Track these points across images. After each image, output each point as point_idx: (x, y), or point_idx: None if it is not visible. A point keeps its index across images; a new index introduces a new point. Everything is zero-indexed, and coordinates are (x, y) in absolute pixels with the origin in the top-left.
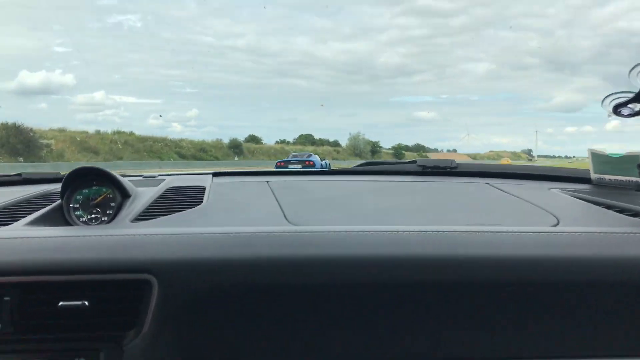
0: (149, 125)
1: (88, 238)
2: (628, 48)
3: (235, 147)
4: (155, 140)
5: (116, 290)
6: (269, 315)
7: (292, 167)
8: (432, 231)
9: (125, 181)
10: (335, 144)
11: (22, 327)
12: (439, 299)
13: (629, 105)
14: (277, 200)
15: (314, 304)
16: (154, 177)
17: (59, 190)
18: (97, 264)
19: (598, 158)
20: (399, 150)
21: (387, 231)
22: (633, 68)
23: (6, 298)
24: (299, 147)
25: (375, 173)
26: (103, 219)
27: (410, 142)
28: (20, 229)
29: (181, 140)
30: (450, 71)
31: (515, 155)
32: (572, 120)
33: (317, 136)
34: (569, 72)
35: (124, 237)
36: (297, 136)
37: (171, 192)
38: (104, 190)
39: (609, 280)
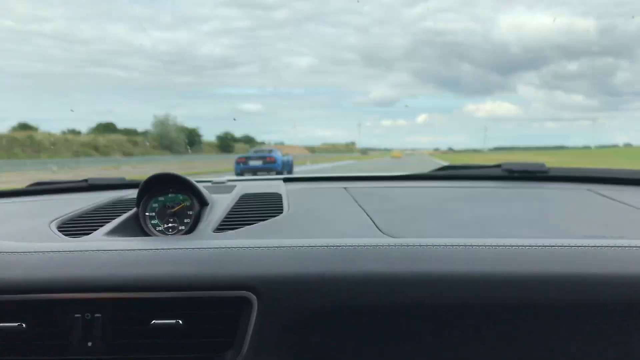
0: None
1: (177, 251)
2: (434, 46)
3: None
4: None
5: (213, 308)
6: (375, 337)
7: (252, 164)
8: (546, 245)
9: (202, 188)
10: (134, 132)
11: (114, 346)
12: (562, 323)
13: None
14: (362, 209)
15: (424, 324)
16: (223, 182)
17: (130, 197)
18: (192, 279)
19: None
20: (225, 140)
21: (492, 245)
22: None
23: (97, 315)
24: (92, 136)
25: (455, 178)
26: (180, 228)
27: (237, 135)
28: (101, 239)
29: None
30: (274, 64)
31: (348, 147)
32: (387, 115)
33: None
34: (384, 68)
35: (216, 250)
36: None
37: (246, 199)
38: (181, 197)
39: None
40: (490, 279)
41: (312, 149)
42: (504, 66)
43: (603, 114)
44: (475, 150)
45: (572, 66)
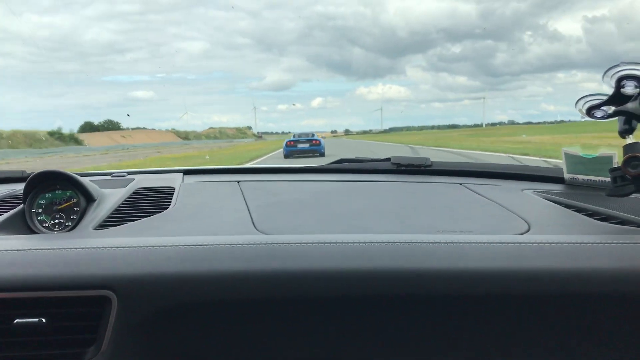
0: None
1: (46, 251)
2: (327, 30)
3: None
4: None
5: (74, 307)
6: (233, 332)
7: (300, 146)
8: (400, 242)
9: (89, 184)
10: None
11: None
12: (406, 313)
13: (602, 108)
14: (246, 204)
15: (280, 318)
16: (124, 176)
17: (20, 192)
18: (54, 279)
19: (571, 158)
20: (59, 134)
21: (356, 242)
22: (607, 70)
23: None
24: None
25: (348, 171)
26: (67, 224)
27: (129, 123)
28: None
29: None
30: (165, 49)
31: (240, 131)
32: (283, 99)
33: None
34: (278, 53)
35: (83, 250)
36: None
37: (139, 193)
38: (68, 194)
39: (576, 292)
40: (338, 274)
41: (186, 135)
42: (393, 50)
43: (485, 94)
44: (386, 131)
45: (456, 49)
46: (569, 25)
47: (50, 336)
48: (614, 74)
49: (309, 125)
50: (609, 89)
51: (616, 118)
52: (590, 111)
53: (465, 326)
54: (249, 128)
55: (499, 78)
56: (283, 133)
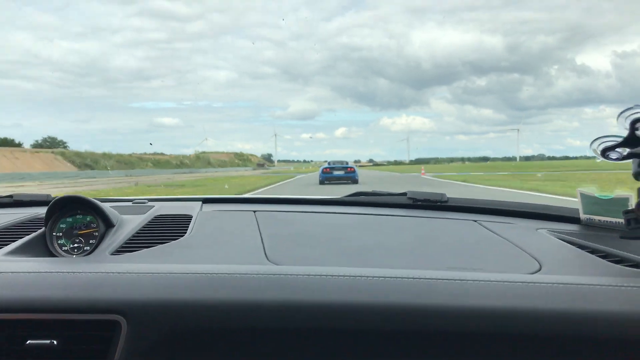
0: None
1: (62, 275)
2: (351, 61)
3: None
4: None
5: (85, 330)
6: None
7: (336, 173)
8: (409, 277)
9: (109, 209)
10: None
11: None
12: (411, 348)
13: (617, 149)
14: (260, 234)
15: (287, 348)
16: (144, 202)
17: (42, 216)
18: (67, 302)
19: (587, 199)
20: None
21: (364, 276)
22: (622, 113)
23: None
24: None
25: (364, 205)
26: (86, 248)
27: (151, 149)
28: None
29: None
30: (191, 77)
31: (240, 157)
32: (306, 128)
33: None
34: (302, 83)
35: (95, 274)
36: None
37: (157, 220)
38: (88, 218)
39: (585, 335)
40: (348, 308)
41: (156, 160)
42: (418, 81)
43: (519, 126)
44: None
45: (481, 82)
46: (597, 60)
47: (61, 358)
48: (628, 116)
49: (332, 154)
50: (624, 131)
51: (630, 160)
52: (605, 152)
53: None
54: (270, 156)
55: (524, 112)
56: (305, 161)
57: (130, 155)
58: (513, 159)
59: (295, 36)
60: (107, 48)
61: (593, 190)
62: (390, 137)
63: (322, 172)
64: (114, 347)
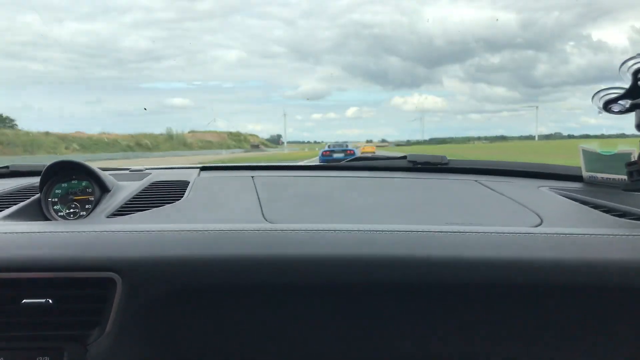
0: None
1: (57, 234)
2: (362, 39)
3: None
4: None
5: (81, 289)
6: (236, 316)
7: (335, 155)
8: (406, 231)
9: (104, 175)
10: None
11: None
12: (409, 300)
13: (619, 102)
14: (257, 197)
15: (284, 303)
16: (141, 170)
17: (37, 183)
18: (61, 260)
19: (589, 156)
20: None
21: (361, 230)
22: (623, 63)
23: None
24: None
25: (364, 169)
26: (81, 213)
27: (161, 130)
28: None
29: None
30: (201, 57)
31: (235, 137)
32: (317, 108)
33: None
34: (313, 62)
35: (90, 234)
36: None
37: (154, 186)
38: (83, 184)
39: (588, 283)
40: (342, 261)
41: (92, 141)
42: (430, 59)
43: (537, 103)
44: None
45: (495, 59)
46: (615, 36)
47: (56, 317)
48: (631, 66)
49: (344, 135)
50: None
51: (634, 112)
52: (607, 105)
53: (468, 314)
54: (279, 137)
55: (538, 89)
56: (315, 142)
57: (46, 133)
58: (530, 137)
59: (306, 14)
60: (116, 28)
61: (595, 147)
62: (402, 117)
63: (322, 154)
64: (109, 305)
